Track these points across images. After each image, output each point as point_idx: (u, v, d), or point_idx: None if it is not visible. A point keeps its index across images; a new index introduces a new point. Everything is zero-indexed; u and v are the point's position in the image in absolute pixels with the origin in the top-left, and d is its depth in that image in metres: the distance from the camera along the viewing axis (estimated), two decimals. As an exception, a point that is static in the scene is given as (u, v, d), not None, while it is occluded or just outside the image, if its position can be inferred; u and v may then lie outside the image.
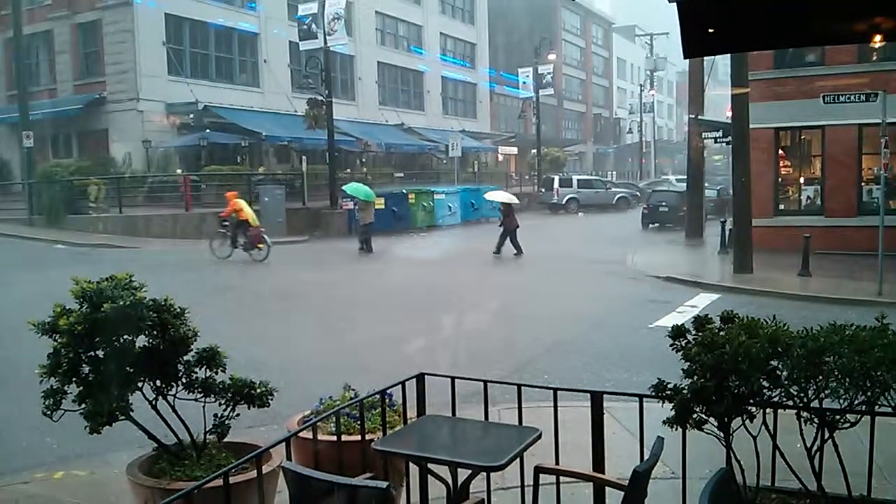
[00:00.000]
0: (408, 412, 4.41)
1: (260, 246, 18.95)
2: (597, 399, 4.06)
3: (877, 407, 3.33)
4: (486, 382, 4.34)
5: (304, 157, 30.57)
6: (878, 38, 3.44)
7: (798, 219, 19.96)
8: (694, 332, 3.72)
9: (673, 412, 3.63)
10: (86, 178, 27.00)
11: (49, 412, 4.00)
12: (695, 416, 3.59)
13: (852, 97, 14.83)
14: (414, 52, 46.64)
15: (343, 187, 24.43)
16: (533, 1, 60.97)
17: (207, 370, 4.30)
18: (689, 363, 3.61)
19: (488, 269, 18.83)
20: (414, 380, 4.39)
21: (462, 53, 52.56)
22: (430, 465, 3.76)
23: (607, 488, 3.74)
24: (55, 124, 31.33)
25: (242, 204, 19.31)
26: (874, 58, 18.76)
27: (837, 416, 3.41)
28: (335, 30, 28.86)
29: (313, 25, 29.69)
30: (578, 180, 42.21)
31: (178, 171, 29.67)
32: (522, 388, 4.27)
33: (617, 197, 42.15)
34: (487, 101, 54.76)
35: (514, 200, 22.29)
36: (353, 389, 4.93)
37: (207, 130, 30.21)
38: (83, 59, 32.50)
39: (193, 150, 30.67)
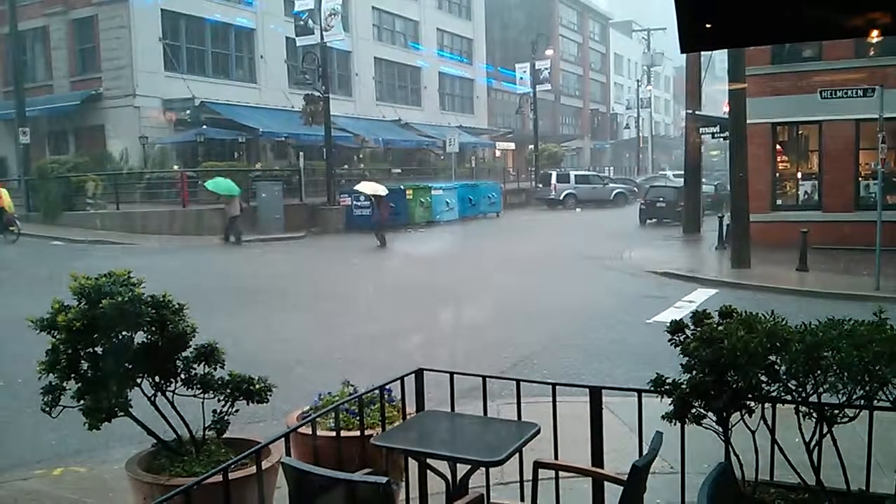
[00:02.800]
0: (407, 407, 4.42)
1: (12, 229, 22.02)
2: (595, 394, 4.07)
3: (875, 401, 3.33)
4: (484, 378, 4.34)
5: (301, 154, 30.51)
6: (875, 32, 3.43)
7: (796, 214, 19.98)
8: (692, 327, 3.72)
9: (672, 407, 3.63)
10: (83, 175, 26.96)
11: (48, 408, 4.00)
12: (693, 410, 3.60)
13: (850, 92, 14.85)
14: (411, 48, 46.56)
15: (205, 184, 24.45)
16: (530, -4, 60.96)
17: (206, 366, 4.30)
18: (687, 358, 3.61)
19: (485, 265, 18.83)
20: (413, 375, 4.39)
21: (459, 49, 52.48)
22: (429, 461, 3.76)
23: (606, 483, 3.74)
24: (51, 120, 31.26)
25: (3, 192, 22.33)
26: (871, 53, 18.77)
27: (836, 411, 3.42)
28: (332, 25, 28.81)
29: (310, 21, 29.64)
30: (576, 176, 42.24)
31: (175, 167, 29.60)
32: (521, 383, 4.27)
33: (614, 192, 42.16)
34: (485, 96, 54.72)
35: (384, 192, 23.17)
36: (352, 385, 4.93)
37: (204, 126, 30.16)
38: (79, 56, 32.38)
39: (190, 147, 30.62)
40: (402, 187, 29.72)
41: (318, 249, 22.40)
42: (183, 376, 4.27)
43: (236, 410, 4.36)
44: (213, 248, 21.98)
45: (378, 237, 22.11)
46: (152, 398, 4.23)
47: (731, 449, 3.58)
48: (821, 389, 3.38)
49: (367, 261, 20.07)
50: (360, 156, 40.00)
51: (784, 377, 3.43)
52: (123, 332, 4.07)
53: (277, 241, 23.66)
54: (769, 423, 3.58)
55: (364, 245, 22.67)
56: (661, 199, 30.23)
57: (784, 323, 3.51)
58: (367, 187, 23.43)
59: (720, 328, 3.59)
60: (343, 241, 23.97)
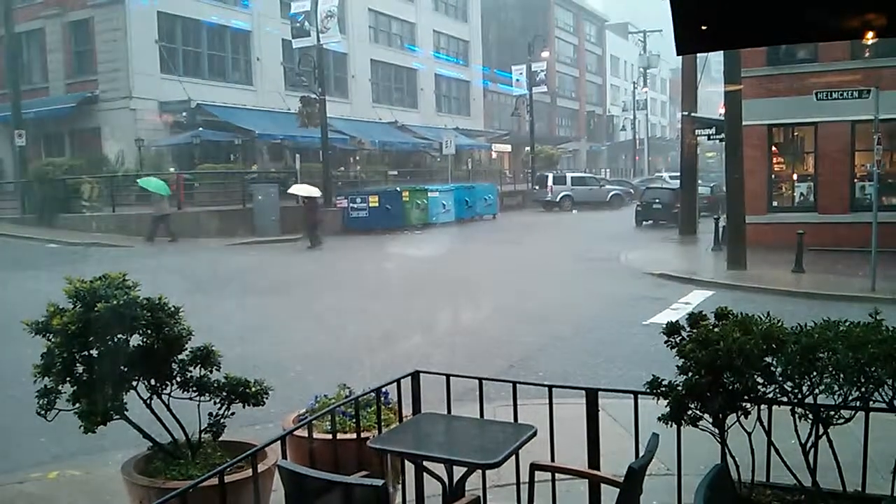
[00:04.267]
0: (403, 410, 4.41)
1: None
2: (592, 396, 4.07)
3: (871, 402, 3.34)
4: (481, 380, 4.34)
5: (297, 156, 30.52)
6: (870, 34, 3.43)
7: (791, 215, 20.00)
8: (688, 329, 3.72)
9: (668, 409, 3.63)
10: (78, 177, 26.90)
11: (43, 412, 3.99)
12: (690, 412, 3.60)
13: (845, 94, 14.86)
14: (407, 50, 46.57)
15: (139, 181, 24.65)
16: (526, -2, 61.04)
17: (202, 369, 4.29)
18: (683, 360, 3.61)
19: (482, 267, 18.82)
20: (409, 377, 4.38)
21: (455, 51, 52.51)
22: (425, 463, 3.76)
23: (603, 485, 3.74)
24: (47, 123, 31.20)
25: None
26: (867, 54, 18.80)
27: (832, 412, 3.42)
28: (328, 27, 28.83)
29: (306, 23, 29.66)
30: (572, 178, 42.26)
31: (171, 169, 29.57)
32: (517, 385, 4.27)
33: (611, 194, 42.18)
34: (481, 98, 54.75)
35: (317, 194, 23.60)
36: (349, 388, 4.93)
37: (200, 129, 30.11)
38: (75, 58, 32.34)
39: (186, 149, 30.58)
40: (398, 189, 29.75)
41: (306, 251, 22.38)
42: (179, 379, 4.26)
43: (232, 413, 4.35)
44: (203, 250, 21.95)
45: (310, 238, 22.66)
46: (148, 401, 4.22)
47: (727, 450, 3.58)
48: (817, 391, 3.39)
49: (362, 263, 20.05)
50: (357, 158, 40.01)
51: (780, 378, 3.43)
52: (119, 335, 4.07)
53: (272, 243, 23.61)
54: (765, 424, 3.58)
55: (362, 246, 22.72)
56: (657, 200, 30.26)
57: (780, 324, 3.51)
58: (301, 189, 23.89)
59: (716, 330, 3.59)
60: (339, 243, 23.97)
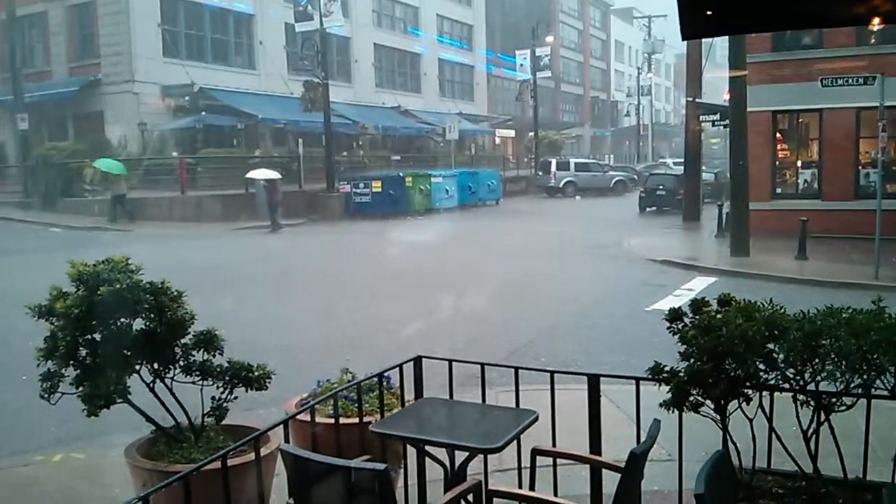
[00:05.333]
0: (405, 395, 4.42)
1: None
2: (593, 382, 4.07)
3: (873, 390, 3.34)
4: (483, 365, 4.34)
5: (300, 140, 30.47)
6: (876, 20, 3.41)
7: (795, 202, 19.96)
8: (691, 315, 3.72)
9: (669, 395, 3.64)
10: (81, 161, 26.91)
11: (46, 395, 4.00)
12: (691, 398, 3.60)
13: (850, 80, 14.80)
14: (411, 34, 46.37)
15: (94, 164, 24.92)
16: (530, -18, 60.68)
17: (205, 353, 4.30)
18: (685, 346, 3.61)
19: (484, 253, 18.82)
20: (411, 362, 4.39)
21: (459, 35, 52.27)
22: (427, 448, 3.77)
23: (604, 470, 3.75)
24: (50, 107, 31.16)
25: None
26: (872, 41, 18.70)
27: (833, 399, 3.42)
28: (331, 11, 28.70)
29: (309, 6, 29.53)
30: (575, 163, 42.14)
31: (174, 153, 29.57)
32: (519, 370, 4.28)
33: (614, 180, 42.11)
34: (485, 83, 54.54)
35: (276, 176, 24.07)
36: (351, 372, 4.93)
37: (203, 113, 30.08)
38: (78, 41, 32.27)
39: (189, 133, 30.56)
40: (401, 174, 29.74)
41: (305, 235, 22.43)
42: (182, 363, 4.26)
43: (235, 397, 4.37)
44: (206, 235, 21.99)
45: (272, 221, 23.03)
46: (151, 385, 4.23)
47: (728, 437, 3.59)
48: (819, 378, 3.39)
49: (364, 248, 20.07)
50: (360, 143, 39.93)
51: (782, 365, 3.43)
52: (122, 319, 4.07)
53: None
54: (767, 411, 3.59)
55: (363, 230, 22.71)
56: (660, 187, 30.21)
57: (782, 311, 3.50)
58: (259, 173, 24.17)
59: (719, 316, 3.59)
60: (340, 228, 23.99)
